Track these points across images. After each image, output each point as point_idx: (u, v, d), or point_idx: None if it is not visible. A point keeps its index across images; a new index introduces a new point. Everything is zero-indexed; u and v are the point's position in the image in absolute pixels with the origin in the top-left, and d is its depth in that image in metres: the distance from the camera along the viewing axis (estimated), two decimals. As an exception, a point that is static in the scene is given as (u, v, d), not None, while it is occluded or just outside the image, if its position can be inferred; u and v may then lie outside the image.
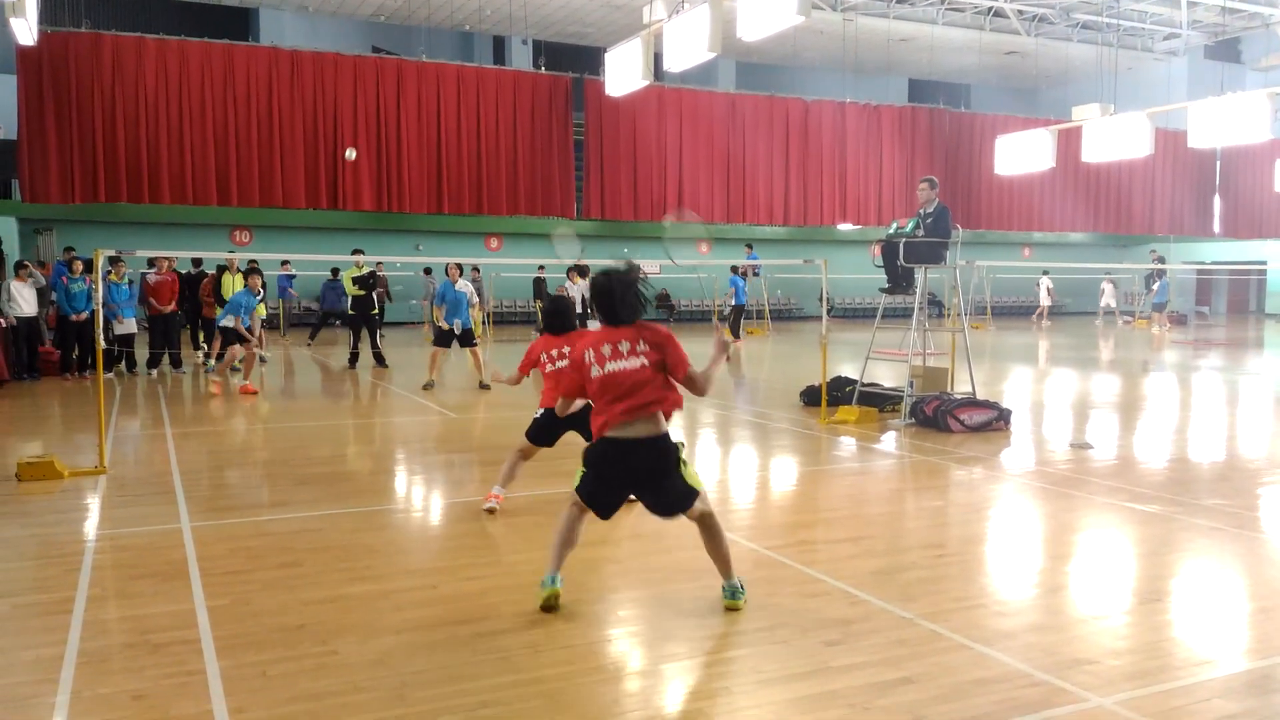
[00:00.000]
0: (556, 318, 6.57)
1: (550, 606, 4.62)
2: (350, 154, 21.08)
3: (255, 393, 13.11)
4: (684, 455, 4.58)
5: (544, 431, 6.50)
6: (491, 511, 6.48)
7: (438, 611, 4.69)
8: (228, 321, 13.47)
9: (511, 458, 6.67)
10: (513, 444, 6.86)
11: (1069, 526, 6.43)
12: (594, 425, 4.56)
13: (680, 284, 33.55)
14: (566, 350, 6.11)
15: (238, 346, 13.52)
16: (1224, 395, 13.93)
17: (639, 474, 4.54)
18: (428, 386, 13.54)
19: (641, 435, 4.46)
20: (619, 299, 4.51)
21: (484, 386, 13.50)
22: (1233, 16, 28.40)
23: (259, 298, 13.92)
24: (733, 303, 23.48)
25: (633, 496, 4.75)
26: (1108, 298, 31.25)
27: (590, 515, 4.70)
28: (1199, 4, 27.67)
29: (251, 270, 14.21)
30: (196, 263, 17.72)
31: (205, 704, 3.69)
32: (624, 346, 4.49)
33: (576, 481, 4.66)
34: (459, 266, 14.45)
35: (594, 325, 19.14)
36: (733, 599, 4.68)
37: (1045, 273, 31.89)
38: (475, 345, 14.08)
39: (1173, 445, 9.71)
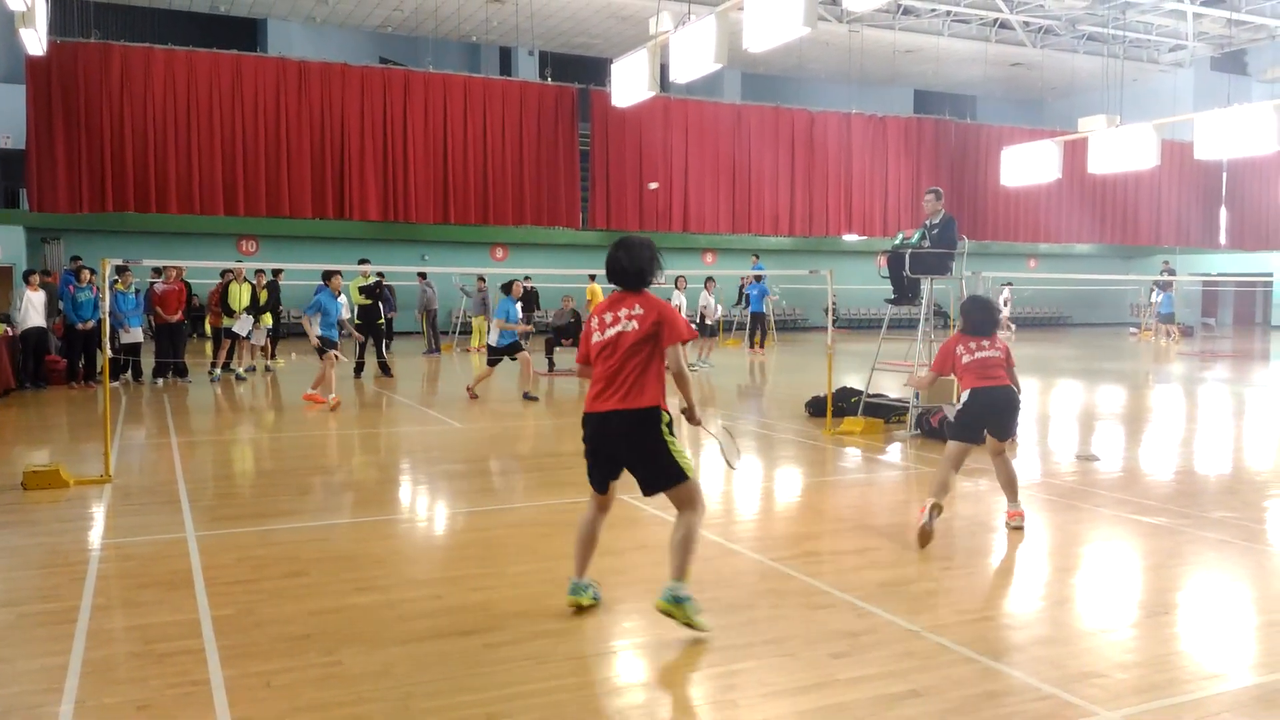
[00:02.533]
0: (980, 317, 6.61)
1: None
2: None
3: (332, 402, 12.63)
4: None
5: (974, 429, 6.43)
6: (928, 533, 5.92)
7: (443, 622, 4.68)
8: (311, 326, 12.98)
9: (945, 467, 6.28)
10: (517, 453, 6.84)
11: (1076, 539, 6.40)
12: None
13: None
14: (985, 343, 6.50)
15: (333, 354, 12.92)
16: (1231, 407, 13.88)
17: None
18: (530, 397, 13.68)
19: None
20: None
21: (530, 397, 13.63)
22: (1239, 28, 28.43)
23: (339, 299, 13.60)
24: (749, 311, 23.41)
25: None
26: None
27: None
28: (1205, 15, 27.69)
29: (332, 272, 13.76)
30: (224, 274, 17.63)
31: (210, 714, 3.69)
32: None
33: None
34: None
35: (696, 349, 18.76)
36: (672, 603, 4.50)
37: (1009, 284, 31.76)
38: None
39: (1179, 457, 9.68)
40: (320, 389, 12.89)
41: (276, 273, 20.15)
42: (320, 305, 13.14)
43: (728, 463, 5.23)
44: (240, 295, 16.42)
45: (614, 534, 6.37)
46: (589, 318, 4.85)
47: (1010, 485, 6.51)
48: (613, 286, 4.89)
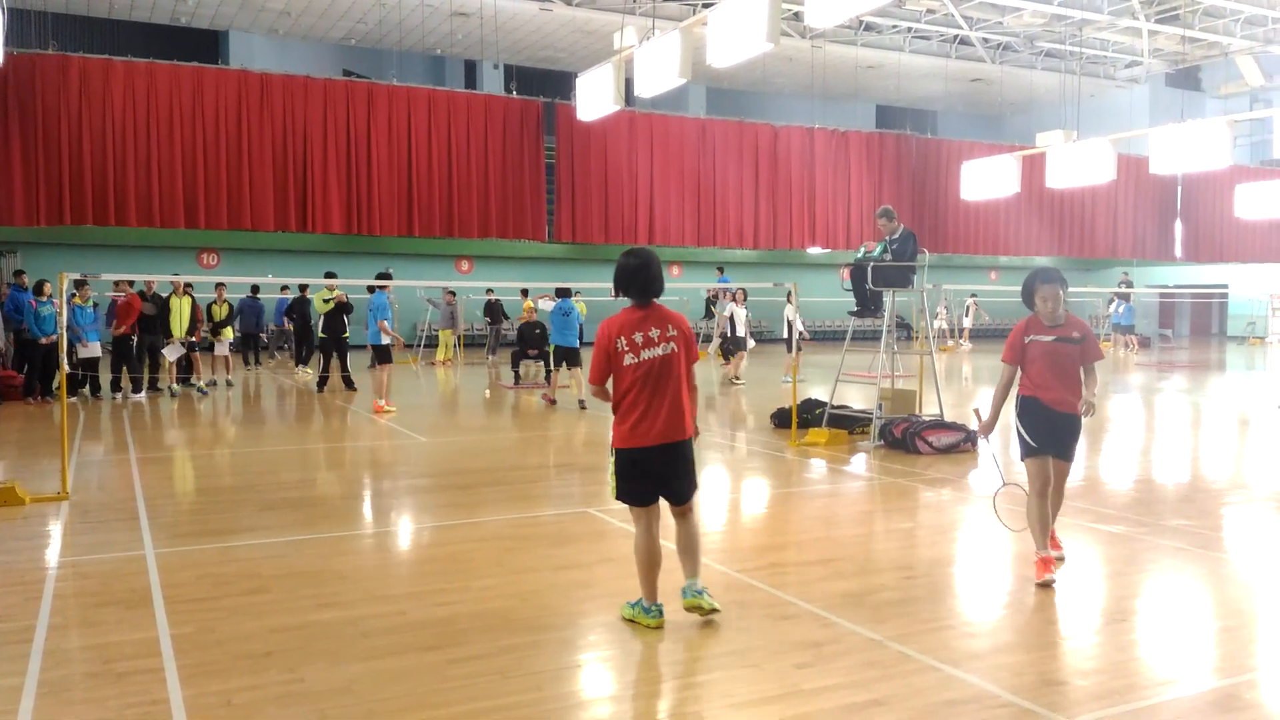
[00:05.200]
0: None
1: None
2: None
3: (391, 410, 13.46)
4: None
5: None
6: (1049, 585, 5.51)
7: (406, 638, 4.65)
8: (389, 329, 13.92)
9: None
10: (483, 467, 6.82)
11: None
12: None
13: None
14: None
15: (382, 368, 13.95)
16: (1188, 417, 14.12)
17: None
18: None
19: None
20: None
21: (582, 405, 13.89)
22: (1193, 45, 29.01)
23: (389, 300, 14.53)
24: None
25: None
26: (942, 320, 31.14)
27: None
28: (1160, 33, 28.24)
29: (386, 275, 14.58)
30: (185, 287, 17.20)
31: (168, 734, 3.64)
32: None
33: None
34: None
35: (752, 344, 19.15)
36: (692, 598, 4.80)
37: (973, 295, 32.12)
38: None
39: (1137, 466, 9.83)
40: (385, 395, 13.68)
41: (303, 288, 19.88)
42: (384, 308, 13.96)
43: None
44: (180, 310, 16.07)
45: (579, 548, 6.38)
46: (611, 338, 4.64)
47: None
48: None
